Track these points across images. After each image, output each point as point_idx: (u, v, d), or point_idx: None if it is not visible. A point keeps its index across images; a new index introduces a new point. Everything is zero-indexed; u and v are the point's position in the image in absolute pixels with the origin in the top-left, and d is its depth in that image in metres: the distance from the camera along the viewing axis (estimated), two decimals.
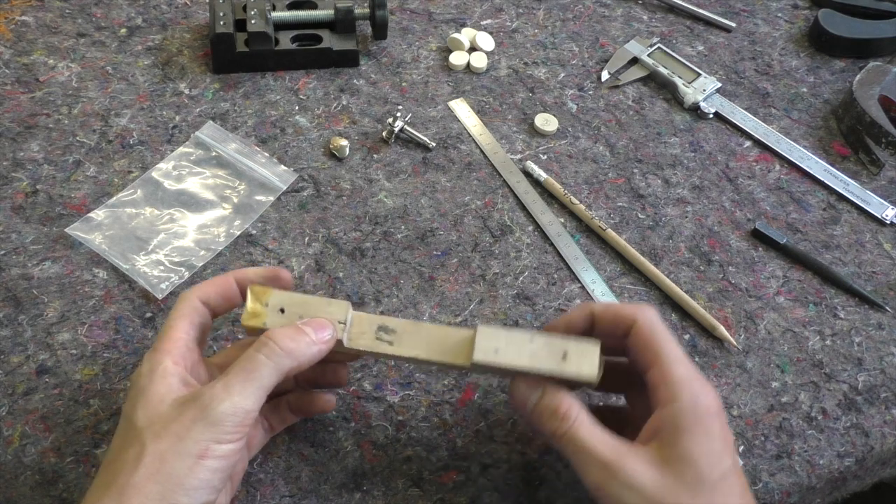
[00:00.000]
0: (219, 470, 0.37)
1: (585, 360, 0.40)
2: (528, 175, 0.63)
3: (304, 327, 0.41)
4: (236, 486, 0.44)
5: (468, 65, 0.70)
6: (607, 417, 0.42)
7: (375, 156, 0.64)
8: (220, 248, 0.57)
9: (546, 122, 0.66)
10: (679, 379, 0.39)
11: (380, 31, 0.69)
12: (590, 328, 0.43)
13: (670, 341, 0.40)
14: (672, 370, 0.39)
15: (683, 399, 0.38)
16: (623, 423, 0.43)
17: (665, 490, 0.37)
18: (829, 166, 0.66)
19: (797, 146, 0.67)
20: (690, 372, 0.39)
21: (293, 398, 0.47)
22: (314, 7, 0.70)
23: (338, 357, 0.45)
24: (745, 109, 0.69)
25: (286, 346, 0.39)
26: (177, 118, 0.64)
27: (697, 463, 0.37)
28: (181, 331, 0.41)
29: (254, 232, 0.58)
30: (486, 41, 0.71)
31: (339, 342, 0.42)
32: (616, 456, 0.38)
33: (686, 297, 0.56)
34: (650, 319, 0.41)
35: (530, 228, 0.60)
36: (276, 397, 0.46)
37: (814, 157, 0.66)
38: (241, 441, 0.38)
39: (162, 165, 0.61)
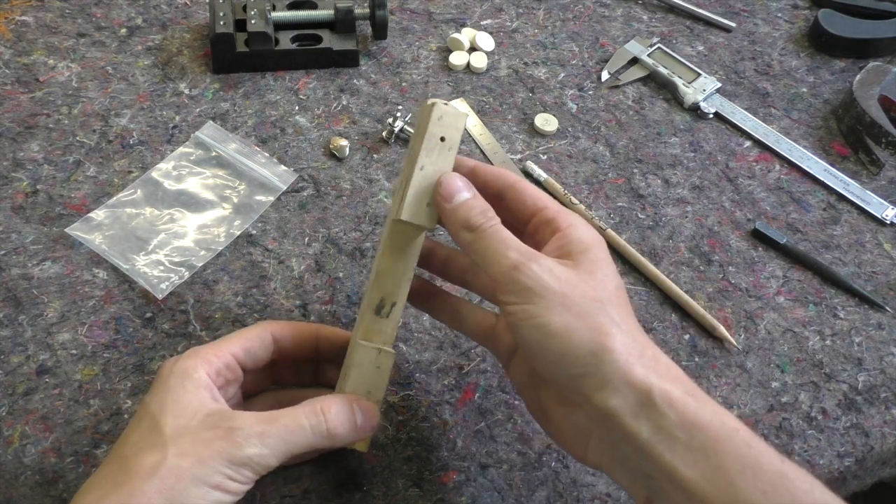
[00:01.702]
0: (224, 503, 0.37)
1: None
2: (528, 175, 0.63)
3: (357, 411, 0.41)
4: None
5: (468, 65, 0.70)
6: None
7: (375, 156, 0.64)
8: (220, 248, 0.57)
9: (546, 122, 0.66)
10: (567, 213, 0.41)
11: (380, 31, 0.69)
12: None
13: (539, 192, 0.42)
14: (558, 208, 0.41)
15: (575, 223, 0.40)
16: None
17: (576, 277, 0.37)
18: (829, 166, 0.66)
19: (797, 146, 0.67)
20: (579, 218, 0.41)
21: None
22: (314, 7, 0.70)
23: None
24: (745, 109, 0.69)
25: (333, 428, 0.39)
26: (177, 118, 0.64)
27: (604, 269, 0.38)
28: (231, 348, 0.41)
29: (254, 232, 0.58)
30: (486, 41, 0.71)
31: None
32: (533, 251, 0.38)
33: (686, 297, 0.56)
34: (522, 180, 0.43)
35: None
36: None
37: (814, 157, 0.66)
38: (252, 485, 0.38)
39: (162, 165, 0.61)
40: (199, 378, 0.39)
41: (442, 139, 0.41)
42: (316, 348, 0.46)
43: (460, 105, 0.67)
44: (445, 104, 0.41)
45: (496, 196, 0.42)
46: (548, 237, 0.40)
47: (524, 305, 0.37)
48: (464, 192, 0.40)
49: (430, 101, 0.41)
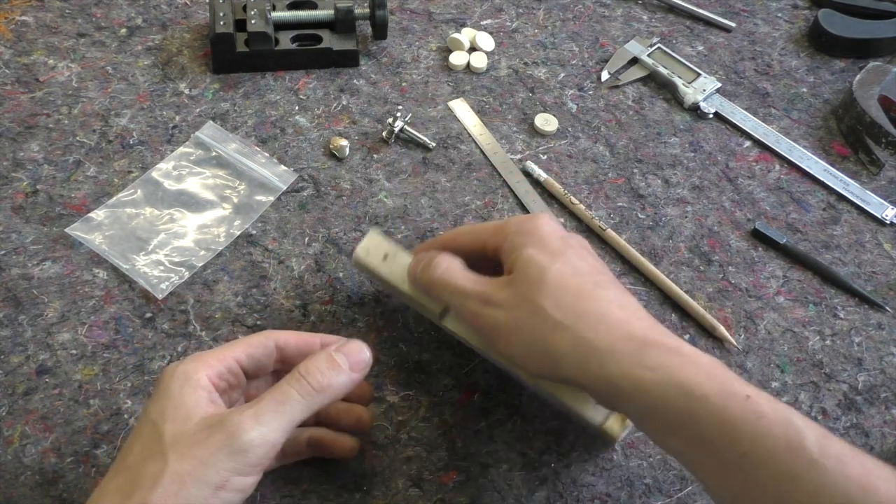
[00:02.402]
0: (233, 503, 0.37)
1: None
2: (528, 175, 0.63)
3: (338, 358, 0.41)
4: None
5: (468, 65, 0.70)
6: None
7: (375, 156, 0.64)
8: (220, 248, 0.57)
9: (546, 121, 0.66)
10: (507, 223, 0.45)
11: (380, 31, 0.69)
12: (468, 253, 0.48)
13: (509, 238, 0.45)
14: (504, 225, 0.45)
15: (509, 232, 0.44)
16: None
17: (520, 296, 0.41)
18: (829, 166, 0.66)
19: (797, 146, 0.67)
20: (511, 221, 0.46)
21: (314, 435, 0.47)
22: (314, 7, 0.70)
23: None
24: (745, 109, 0.69)
25: (318, 384, 0.39)
26: (177, 118, 0.64)
27: (535, 258, 0.42)
28: (234, 353, 0.41)
29: (254, 232, 0.58)
30: (486, 41, 0.71)
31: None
32: (482, 288, 0.43)
33: (686, 297, 0.56)
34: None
35: None
36: (297, 427, 0.46)
37: (814, 157, 0.66)
38: (261, 474, 0.38)
39: (162, 165, 0.61)
40: (198, 380, 0.39)
41: (385, 257, 0.51)
42: None
43: (460, 105, 0.67)
44: (361, 247, 0.52)
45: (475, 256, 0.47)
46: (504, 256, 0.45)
47: (490, 341, 0.44)
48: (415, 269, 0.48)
49: (353, 258, 0.52)
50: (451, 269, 0.45)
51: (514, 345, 0.41)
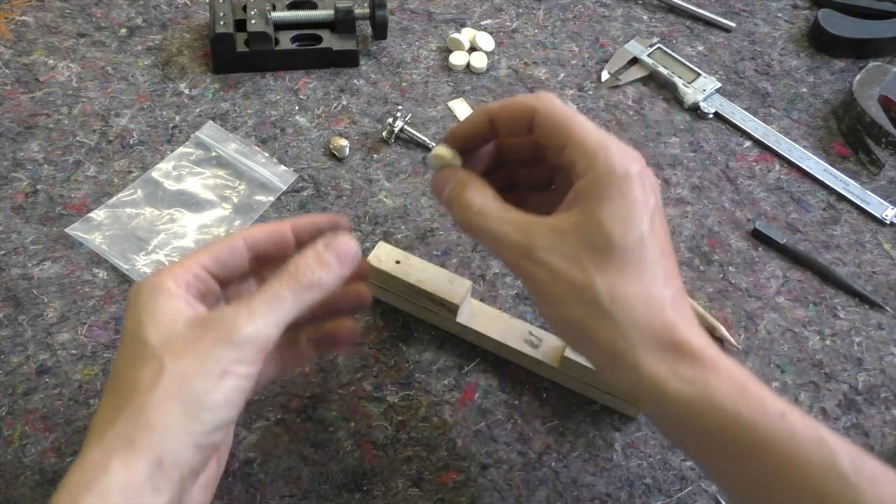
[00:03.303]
0: (239, 389, 0.35)
1: None
2: None
3: (328, 255, 0.39)
4: (223, 462, 0.43)
5: (468, 65, 0.70)
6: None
7: (375, 156, 0.64)
8: None
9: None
10: (592, 149, 0.37)
11: (380, 31, 0.69)
12: (492, 131, 0.41)
13: (575, 116, 0.38)
14: (584, 142, 0.37)
15: (598, 167, 0.36)
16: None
17: (571, 261, 0.36)
18: (829, 166, 0.66)
19: (797, 146, 0.67)
20: (603, 139, 0.37)
21: (312, 330, 0.45)
22: (314, 7, 0.70)
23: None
24: (745, 109, 0.69)
25: (308, 281, 0.37)
26: (177, 118, 0.64)
27: (608, 228, 0.36)
28: (198, 259, 0.39)
29: None
30: (486, 41, 0.71)
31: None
32: (524, 237, 0.37)
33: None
34: (548, 102, 0.39)
35: None
36: (292, 331, 0.44)
37: (814, 157, 0.66)
38: (259, 366, 0.36)
39: (162, 165, 0.61)
40: (168, 288, 0.37)
41: (398, 261, 0.52)
42: (298, 243, 0.43)
43: (460, 105, 0.67)
44: (373, 256, 0.52)
45: (528, 133, 0.40)
46: (574, 178, 0.38)
47: (528, 290, 0.39)
48: (447, 187, 0.41)
49: (368, 261, 0.51)
50: (485, 209, 0.39)
51: (548, 314, 0.38)
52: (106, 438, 0.33)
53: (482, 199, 0.39)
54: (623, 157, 0.37)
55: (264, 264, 0.43)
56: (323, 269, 0.38)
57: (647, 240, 0.36)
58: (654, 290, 0.36)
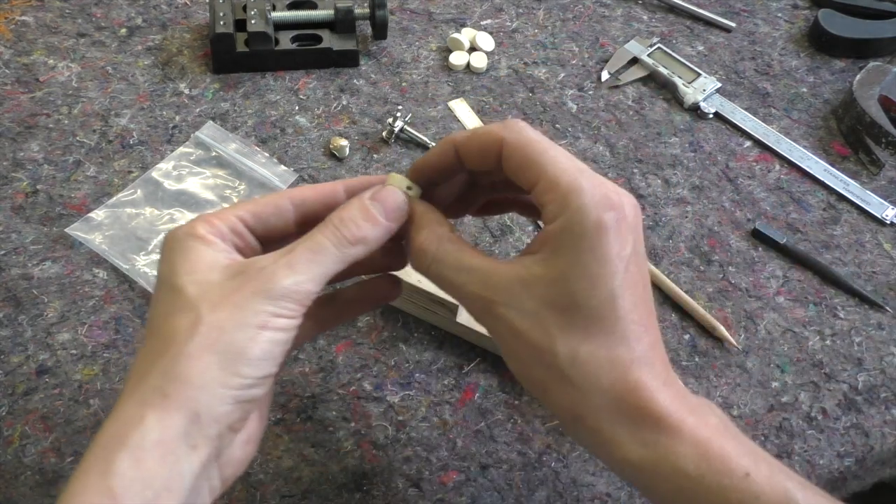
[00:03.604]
0: (280, 342, 0.34)
1: None
2: None
3: (373, 207, 0.36)
4: (265, 417, 0.41)
5: (468, 65, 0.70)
6: None
7: (375, 156, 0.64)
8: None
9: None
10: (564, 191, 0.33)
11: (380, 31, 0.69)
12: (459, 164, 0.38)
13: (548, 150, 0.35)
14: (556, 182, 0.34)
15: (569, 214, 0.33)
16: None
17: (532, 319, 0.34)
18: (829, 166, 0.66)
19: (797, 146, 0.67)
20: (577, 179, 0.33)
21: (349, 291, 0.43)
22: (314, 7, 0.70)
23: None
24: (745, 109, 0.69)
25: (353, 236, 0.35)
26: (177, 118, 0.64)
27: (574, 289, 0.33)
28: (235, 212, 0.37)
29: None
30: (486, 41, 0.71)
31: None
32: (483, 289, 0.35)
33: (686, 297, 0.56)
34: (517, 133, 0.35)
35: (530, 228, 0.60)
36: (331, 286, 0.41)
37: (814, 157, 0.66)
38: (300, 319, 0.35)
39: (162, 165, 0.61)
40: (202, 236, 0.35)
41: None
42: None
43: (460, 105, 0.67)
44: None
45: (498, 167, 0.37)
46: (544, 221, 0.35)
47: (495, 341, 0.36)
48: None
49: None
50: (440, 255, 0.36)
51: (513, 370, 0.36)
52: (140, 391, 0.32)
53: (437, 242, 0.37)
54: (597, 202, 0.33)
55: (312, 226, 0.38)
56: (368, 222, 0.36)
57: (617, 296, 0.33)
58: (620, 351, 0.33)
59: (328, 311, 0.42)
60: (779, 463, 0.34)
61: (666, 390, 0.34)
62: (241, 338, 0.33)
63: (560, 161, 0.34)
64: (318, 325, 0.42)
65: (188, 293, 0.34)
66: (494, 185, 0.41)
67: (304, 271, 0.34)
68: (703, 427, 0.34)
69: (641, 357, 0.34)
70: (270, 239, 0.38)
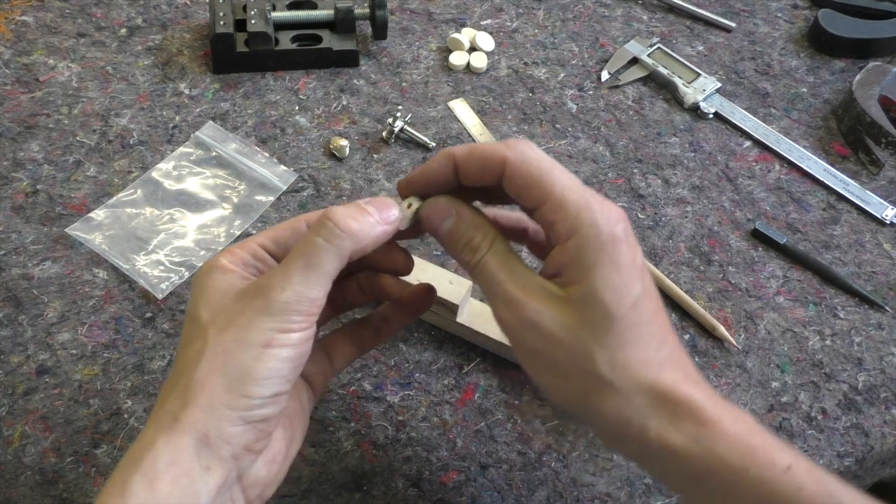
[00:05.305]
0: (288, 359, 0.34)
1: None
2: None
3: (367, 206, 0.36)
4: (318, 393, 0.42)
5: (468, 65, 0.70)
6: None
7: (375, 156, 0.64)
8: (221, 248, 0.57)
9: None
10: (574, 211, 0.34)
11: (380, 31, 0.69)
12: (454, 178, 0.38)
13: (552, 170, 0.35)
14: (565, 202, 0.34)
15: (583, 232, 0.34)
16: None
17: (567, 330, 0.34)
18: (829, 166, 0.66)
19: (797, 146, 0.67)
20: (584, 198, 0.34)
21: (385, 307, 0.43)
22: (314, 7, 0.70)
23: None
24: (745, 109, 0.69)
25: (348, 228, 0.35)
26: (177, 118, 0.64)
27: (604, 299, 0.34)
28: (256, 240, 0.38)
29: (254, 232, 0.58)
30: (486, 41, 0.71)
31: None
32: (523, 293, 0.35)
33: (686, 297, 0.56)
34: (522, 154, 0.35)
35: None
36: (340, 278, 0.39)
37: (814, 157, 0.66)
38: (310, 330, 0.35)
39: (162, 165, 0.61)
40: (223, 265, 0.37)
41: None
42: None
43: (460, 105, 0.67)
44: None
45: (497, 184, 0.37)
46: (553, 239, 0.36)
47: (520, 357, 0.36)
48: (445, 221, 0.38)
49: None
50: (493, 252, 0.37)
51: (549, 385, 0.36)
52: (156, 418, 0.33)
53: (489, 243, 0.37)
54: (607, 218, 0.34)
55: None
56: (361, 214, 0.36)
57: (640, 302, 0.34)
58: (650, 353, 0.34)
59: (365, 332, 0.43)
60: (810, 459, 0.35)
61: (699, 388, 0.35)
62: (245, 358, 0.33)
63: (565, 181, 0.35)
64: (357, 347, 0.43)
65: (202, 320, 0.35)
66: (491, 200, 0.41)
67: (301, 280, 0.34)
68: (741, 422, 0.34)
69: (670, 358, 0.35)
70: None
